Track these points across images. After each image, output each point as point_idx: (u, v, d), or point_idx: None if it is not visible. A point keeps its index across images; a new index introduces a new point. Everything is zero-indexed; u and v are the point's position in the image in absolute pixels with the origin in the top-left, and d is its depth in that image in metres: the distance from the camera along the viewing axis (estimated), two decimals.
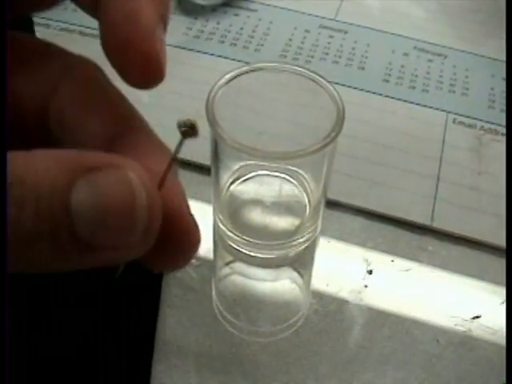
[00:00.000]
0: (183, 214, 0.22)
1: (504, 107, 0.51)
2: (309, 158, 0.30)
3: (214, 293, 0.38)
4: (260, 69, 0.33)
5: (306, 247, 0.35)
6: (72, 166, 0.18)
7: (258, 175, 0.37)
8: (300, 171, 0.36)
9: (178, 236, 0.21)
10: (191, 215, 0.22)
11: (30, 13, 0.28)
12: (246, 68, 0.33)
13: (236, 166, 0.36)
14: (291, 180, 0.36)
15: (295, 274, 0.39)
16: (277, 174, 0.37)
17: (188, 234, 0.22)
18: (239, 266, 0.38)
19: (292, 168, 0.36)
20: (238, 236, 0.35)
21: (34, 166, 0.18)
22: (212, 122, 0.29)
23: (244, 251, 0.35)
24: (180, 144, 0.21)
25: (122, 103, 0.24)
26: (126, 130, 0.22)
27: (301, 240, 0.35)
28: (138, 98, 0.23)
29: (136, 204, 0.19)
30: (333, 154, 0.32)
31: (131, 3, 0.21)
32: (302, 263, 0.38)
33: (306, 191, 0.36)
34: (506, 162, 0.41)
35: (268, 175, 0.37)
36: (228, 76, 0.32)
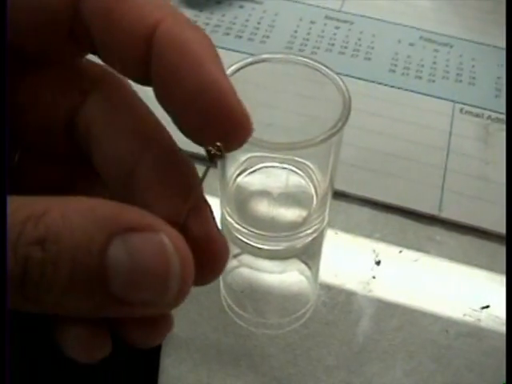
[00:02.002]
0: (212, 239, 0.22)
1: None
2: (315, 148, 0.30)
3: (221, 285, 0.38)
4: (265, 60, 0.33)
5: (314, 239, 0.35)
6: (109, 225, 0.18)
7: (265, 167, 0.37)
8: (307, 162, 0.36)
9: (208, 260, 0.22)
10: (221, 237, 0.22)
11: None
12: (251, 59, 0.33)
13: (243, 158, 0.36)
14: (298, 171, 0.36)
15: (303, 266, 0.39)
16: (283, 165, 0.37)
17: (217, 257, 0.22)
18: (247, 258, 0.38)
19: (299, 159, 0.36)
20: (245, 228, 0.35)
21: (71, 223, 0.18)
22: None
23: (251, 243, 0.35)
24: (207, 170, 0.21)
25: (148, 117, 0.23)
26: (152, 144, 0.22)
27: (308, 231, 0.35)
28: (145, 93, 0.23)
29: (170, 271, 0.19)
30: (339, 145, 0.32)
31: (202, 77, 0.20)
32: (310, 255, 0.38)
33: (312, 182, 0.36)
34: (505, 153, 0.41)
35: (275, 167, 0.37)
36: (233, 67, 0.32)
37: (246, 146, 0.28)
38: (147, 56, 0.21)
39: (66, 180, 0.26)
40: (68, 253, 0.18)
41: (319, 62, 0.32)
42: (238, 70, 0.32)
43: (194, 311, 0.38)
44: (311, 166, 0.36)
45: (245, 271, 0.39)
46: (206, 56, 0.20)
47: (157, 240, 0.19)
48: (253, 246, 0.35)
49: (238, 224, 0.35)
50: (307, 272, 0.39)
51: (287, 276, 0.39)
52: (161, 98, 0.21)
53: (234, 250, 0.37)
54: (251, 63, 0.33)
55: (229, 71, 0.31)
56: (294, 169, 0.37)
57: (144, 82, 0.22)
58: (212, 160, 0.21)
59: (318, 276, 0.39)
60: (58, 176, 0.26)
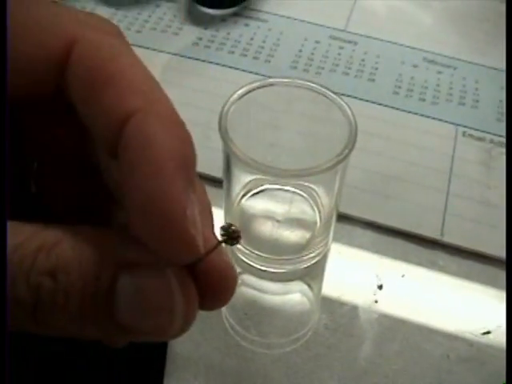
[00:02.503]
0: (223, 269, 0.22)
1: None
2: (322, 175, 0.30)
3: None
4: (272, 84, 0.33)
5: (317, 261, 0.36)
6: (117, 258, 0.19)
7: (269, 189, 0.37)
8: (312, 186, 0.36)
9: (217, 288, 0.22)
10: (231, 267, 0.22)
11: None
12: (258, 83, 0.33)
13: (247, 180, 0.36)
14: (303, 194, 0.37)
15: (305, 288, 0.39)
16: (288, 188, 0.37)
17: (226, 287, 0.22)
18: (249, 278, 0.38)
19: (303, 183, 0.36)
20: (249, 250, 0.35)
21: (81, 255, 0.19)
22: (225, 137, 0.29)
23: (254, 265, 0.35)
24: (216, 246, 0.21)
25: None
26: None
27: (311, 255, 0.35)
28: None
29: (174, 307, 0.20)
30: (345, 171, 0.32)
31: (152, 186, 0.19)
32: (313, 277, 0.38)
33: (317, 206, 0.36)
34: (506, 171, 0.41)
35: (279, 189, 0.37)
36: (240, 91, 0.32)
37: (251, 169, 0.29)
38: (116, 141, 0.20)
39: (81, 192, 0.27)
40: (78, 283, 0.19)
41: (326, 88, 0.33)
42: (246, 93, 0.32)
43: (197, 332, 0.38)
44: (316, 189, 0.36)
45: (247, 291, 0.39)
46: (169, 163, 0.20)
47: (162, 276, 0.20)
48: (256, 267, 0.35)
49: (241, 246, 0.35)
50: (309, 294, 0.39)
51: (289, 297, 0.40)
52: (120, 187, 0.21)
53: (236, 269, 0.37)
54: (258, 87, 0.33)
55: (236, 95, 0.32)
56: (298, 191, 0.37)
57: (112, 155, 0.21)
58: (224, 243, 0.21)
59: (319, 298, 0.39)
60: (73, 188, 0.27)
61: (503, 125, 0.51)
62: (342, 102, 0.32)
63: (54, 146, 0.26)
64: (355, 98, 0.52)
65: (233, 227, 0.21)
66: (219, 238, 0.21)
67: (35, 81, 0.22)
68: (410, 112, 0.52)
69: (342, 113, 0.32)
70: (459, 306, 0.41)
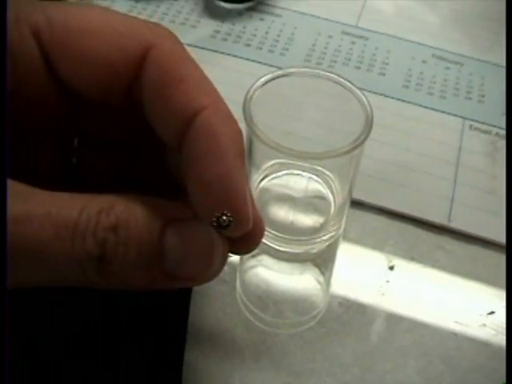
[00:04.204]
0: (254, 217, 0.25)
1: None
2: (338, 159, 0.31)
3: (238, 284, 0.40)
4: (292, 74, 0.35)
5: (330, 244, 0.37)
6: (164, 215, 0.23)
7: (287, 174, 0.39)
8: (327, 172, 0.38)
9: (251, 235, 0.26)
10: (259, 215, 0.27)
11: None
12: (281, 72, 0.34)
13: (266, 165, 0.38)
14: (318, 180, 0.38)
15: (317, 270, 0.41)
16: (304, 173, 0.38)
17: (258, 232, 0.27)
18: (265, 259, 0.39)
19: (319, 168, 0.38)
20: (266, 230, 0.36)
21: (135, 214, 0.22)
22: (249, 121, 0.31)
23: (271, 245, 0.36)
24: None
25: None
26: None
27: (325, 237, 0.36)
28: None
29: (214, 250, 0.23)
30: (359, 158, 0.34)
31: (220, 169, 0.23)
32: (325, 259, 0.40)
33: (331, 191, 0.38)
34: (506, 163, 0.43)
35: (296, 174, 0.39)
36: (264, 79, 0.34)
37: (271, 153, 0.31)
38: (184, 135, 0.24)
39: (121, 169, 0.30)
40: (135, 237, 0.22)
41: (343, 78, 0.34)
42: (269, 81, 0.34)
43: (218, 308, 0.40)
44: (331, 176, 0.38)
45: (262, 272, 0.41)
46: (231, 151, 0.23)
47: (203, 227, 0.23)
48: (272, 247, 0.37)
49: None
50: (321, 276, 0.41)
51: (302, 279, 0.41)
52: (184, 172, 0.25)
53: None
54: (279, 76, 0.35)
55: (259, 82, 0.33)
56: (314, 177, 0.38)
57: (174, 150, 0.25)
58: (220, 228, 0.24)
59: (331, 279, 0.41)
60: (114, 164, 0.30)
61: None
62: (358, 91, 0.34)
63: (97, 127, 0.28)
64: (366, 90, 0.53)
65: (224, 217, 0.23)
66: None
67: (113, 77, 0.25)
68: (419, 105, 0.54)
69: (358, 101, 0.34)
70: (465, 289, 0.42)
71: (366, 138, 0.32)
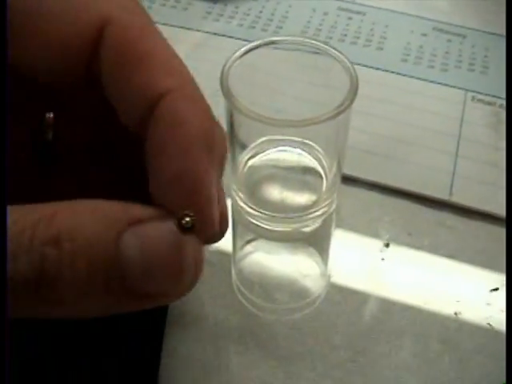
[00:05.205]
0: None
1: None
2: (323, 127, 0.30)
3: (233, 271, 0.39)
4: (273, 42, 0.33)
5: (323, 222, 0.36)
6: (118, 219, 0.19)
7: (274, 152, 0.37)
8: (315, 146, 0.36)
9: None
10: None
11: None
12: (259, 42, 0.33)
13: (253, 144, 0.37)
14: (307, 156, 0.37)
15: (312, 250, 0.39)
16: (293, 149, 0.37)
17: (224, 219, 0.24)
18: (259, 244, 0.38)
19: (307, 142, 0.36)
20: (257, 210, 0.35)
21: (81, 221, 0.18)
22: (227, 93, 0.29)
23: (262, 225, 0.35)
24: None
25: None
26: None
27: (317, 213, 0.35)
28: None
29: (183, 256, 0.19)
30: (346, 126, 0.32)
31: (183, 163, 0.20)
32: (319, 239, 0.38)
33: (322, 166, 0.37)
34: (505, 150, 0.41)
35: (284, 151, 0.37)
36: (243, 49, 0.32)
37: (254, 126, 0.29)
38: (147, 122, 0.21)
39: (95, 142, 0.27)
40: (83, 249, 0.18)
41: (326, 43, 0.33)
42: (248, 51, 0.33)
43: (204, 291, 0.38)
44: (319, 149, 0.36)
45: (257, 257, 0.39)
46: (197, 143, 0.20)
47: (165, 227, 0.19)
48: (264, 228, 0.35)
49: (249, 207, 0.35)
50: (317, 256, 0.39)
51: (299, 261, 0.40)
52: (147, 159, 0.21)
53: (245, 236, 0.38)
54: (260, 45, 0.33)
55: (238, 53, 0.32)
56: (303, 153, 0.37)
57: (137, 134, 0.22)
58: (183, 231, 0.20)
59: (328, 260, 0.39)
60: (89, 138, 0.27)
61: None
62: (342, 56, 0.32)
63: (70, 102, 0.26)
64: (363, 65, 0.52)
65: (187, 218, 0.19)
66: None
67: (68, 57, 0.22)
68: (418, 78, 0.52)
69: (341, 66, 0.32)
70: (468, 265, 0.40)
71: (350, 103, 0.30)
